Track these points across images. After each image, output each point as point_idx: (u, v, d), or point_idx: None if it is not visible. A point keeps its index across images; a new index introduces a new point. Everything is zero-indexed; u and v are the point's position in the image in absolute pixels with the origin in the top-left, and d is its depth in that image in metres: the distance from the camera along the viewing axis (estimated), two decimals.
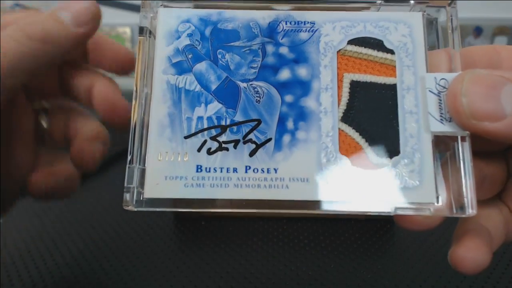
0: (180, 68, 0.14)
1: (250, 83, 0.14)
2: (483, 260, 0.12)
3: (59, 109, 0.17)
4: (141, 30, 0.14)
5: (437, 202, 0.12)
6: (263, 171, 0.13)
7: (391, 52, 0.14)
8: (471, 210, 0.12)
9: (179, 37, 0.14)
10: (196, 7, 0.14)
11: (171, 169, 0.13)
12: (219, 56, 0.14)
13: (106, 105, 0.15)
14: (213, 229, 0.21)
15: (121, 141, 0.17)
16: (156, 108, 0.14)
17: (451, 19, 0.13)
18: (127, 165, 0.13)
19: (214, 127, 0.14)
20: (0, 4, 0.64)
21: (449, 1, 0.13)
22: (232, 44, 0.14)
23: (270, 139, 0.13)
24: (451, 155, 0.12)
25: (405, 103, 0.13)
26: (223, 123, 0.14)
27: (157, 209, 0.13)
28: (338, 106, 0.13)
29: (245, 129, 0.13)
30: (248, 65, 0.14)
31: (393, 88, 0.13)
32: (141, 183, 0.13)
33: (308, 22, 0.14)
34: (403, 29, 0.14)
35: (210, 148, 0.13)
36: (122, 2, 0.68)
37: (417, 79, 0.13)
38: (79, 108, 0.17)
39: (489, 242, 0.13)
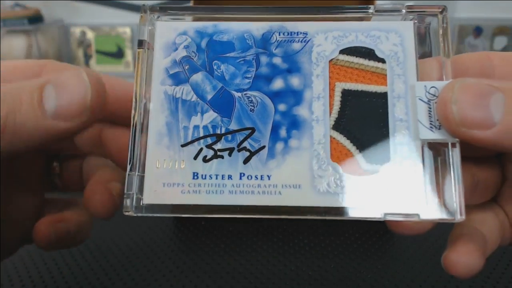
0: (177, 79, 0.14)
1: (245, 92, 0.14)
2: (475, 264, 0.12)
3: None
4: (140, 43, 0.14)
5: (427, 208, 0.12)
6: (257, 178, 0.13)
7: (382, 61, 0.13)
8: (459, 216, 0.12)
9: (176, 49, 0.14)
10: (197, 19, 0.14)
11: (168, 176, 0.13)
12: (215, 67, 0.14)
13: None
14: (213, 229, 0.21)
15: None
16: (155, 118, 0.14)
17: (443, 26, 0.13)
18: (127, 173, 0.13)
19: (210, 135, 0.14)
20: (0, 4, 0.65)
21: (441, 9, 0.13)
22: (227, 55, 0.14)
23: (263, 147, 0.13)
24: (441, 162, 0.12)
25: (396, 111, 0.13)
26: (218, 131, 0.14)
27: (156, 215, 0.13)
28: (330, 114, 0.13)
29: (239, 137, 0.13)
30: (243, 75, 0.14)
31: (384, 96, 0.13)
32: (140, 190, 0.13)
33: (300, 33, 0.14)
34: (394, 38, 0.14)
35: (206, 156, 0.13)
36: (122, 2, 0.68)
37: (407, 88, 0.13)
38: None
39: (482, 247, 0.12)
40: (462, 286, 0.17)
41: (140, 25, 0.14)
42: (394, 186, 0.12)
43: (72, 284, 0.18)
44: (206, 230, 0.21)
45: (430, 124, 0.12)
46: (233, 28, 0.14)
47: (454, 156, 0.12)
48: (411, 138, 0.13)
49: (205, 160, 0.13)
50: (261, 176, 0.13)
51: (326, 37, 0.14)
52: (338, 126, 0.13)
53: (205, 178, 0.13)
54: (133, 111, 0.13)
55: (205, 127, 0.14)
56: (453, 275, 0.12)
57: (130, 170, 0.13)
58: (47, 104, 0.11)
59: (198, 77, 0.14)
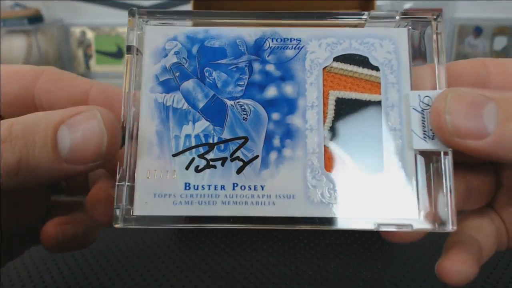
0: (168, 86, 0.13)
1: (237, 100, 0.13)
2: (469, 273, 0.12)
3: None
4: (128, 49, 0.13)
5: (419, 218, 0.12)
6: (250, 188, 0.12)
7: (376, 69, 0.13)
8: (451, 226, 0.11)
9: (166, 55, 0.13)
10: (196, 24, 0.13)
11: (160, 187, 0.12)
12: (206, 74, 0.13)
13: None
14: (213, 229, 0.21)
15: None
16: (145, 127, 0.13)
17: (437, 33, 0.12)
18: (116, 183, 0.12)
19: (202, 145, 0.13)
20: (0, 4, 0.63)
21: (435, 15, 0.12)
22: (219, 62, 0.13)
23: (257, 157, 0.12)
24: (434, 171, 0.12)
25: (389, 120, 0.12)
26: (210, 141, 0.13)
27: (146, 227, 0.12)
28: (324, 123, 0.12)
29: (232, 146, 0.13)
30: (235, 82, 0.13)
31: (377, 105, 0.12)
32: (131, 201, 0.12)
33: (294, 39, 0.13)
34: (388, 45, 0.13)
35: (198, 166, 0.12)
36: (122, 2, 0.66)
37: (401, 96, 0.12)
38: None
39: (476, 255, 0.12)
40: (462, 286, 0.16)
41: (128, 29, 0.13)
42: (387, 196, 0.12)
43: (72, 284, 0.17)
44: (206, 230, 0.21)
45: (424, 134, 0.11)
46: (225, 33, 0.13)
47: (447, 165, 0.11)
48: (404, 148, 0.12)
49: (197, 170, 0.13)
50: (255, 186, 0.12)
51: (319, 44, 0.13)
52: (332, 135, 0.12)
53: (197, 189, 0.12)
54: (122, 119, 0.13)
55: (197, 136, 0.13)
56: (447, 283, 0.12)
57: (119, 180, 0.12)
58: (61, 148, 0.11)
59: (189, 84, 0.13)
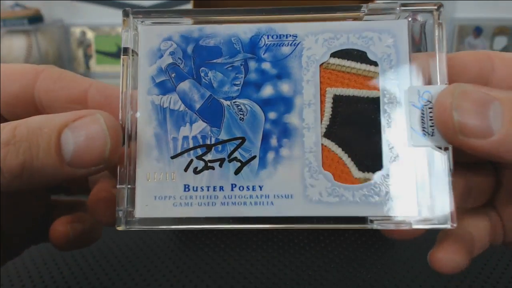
0: (164, 88, 0.13)
1: (234, 100, 0.13)
2: (459, 262, 0.12)
3: None
4: (124, 50, 0.13)
5: (418, 215, 0.11)
6: (249, 189, 0.12)
7: (375, 64, 0.12)
8: (451, 223, 0.11)
9: (162, 55, 0.13)
10: (197, 22, 0.13)
11: (159, 189, 0.12)
12: (202, 74, 0.13)
13: None
14: (213, 230, 0.21)
15: None
16: (143, 129, 0.13)
17: (439, 23, 0.12)
18: (117, 186, 0.12)
19: (200, 146, 0.13)
20: (0, 4, 0.63)
21: (437, 6, 0.12)
22: (214, 61, 0.13)
23: (254, 157, 0.12)
24: (433, 168, 0.11)
25: (388, 116, 0.12)
26: (208, 142, 0.13)
27: (148, 228, 0.13)
28: (321, 121, 0.12)
29: (229, 147, 0.13)
30: (231, 82, 0.13)
31: (376, 101, 0.12)
32: (131, 203, 0.12)
33: (290, 35, 0.13)
34: (387, 39, 0.12)
35: (196, 168, 0.13)
36: (122, 2, 0.66)
37: (400, 92, 0.12)
38: None
39: (468, 246, 0.12)
40: (462, 286, 0.16)
41: (123, 30, 0.13)
42: (386, 194, 0.12)
43: (72, 284, 0.17)
44: (206, 230, 0.21)
45: (423, 130, 0.11)
46: (220, 32, 0.13)
47: (446, 162, 0.11)
48: (403, 145, 0.12)
49: (195, 171, 0.13)
50: (253, 187, 0.12)
51: (316, 40, 0.13)
52: (329, 133, 0.12)
53: (196, 190, 0.12)
54: (120, 122, 0.13)
55: (194, 137, 0.13)
56: (438, 272, 0.12)
57: (120, 183, 0.12)
58: (64, 151, 0.11)
59: (185, 85, 0.13)
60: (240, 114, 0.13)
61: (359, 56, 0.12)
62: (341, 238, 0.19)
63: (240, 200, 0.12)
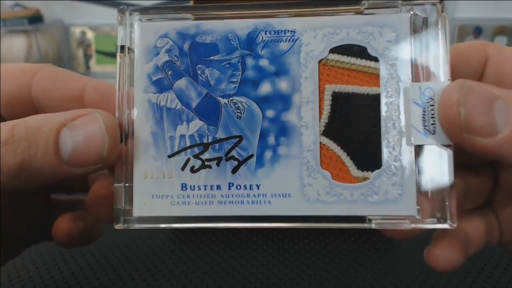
0: (161, 86, 0.13)
1: (231, 98, 0.13)
2: (455, 259, 0.12)
3: None
4: (120, 48, 0.13)
5: (418, 215, 0.11)
6: (246, 188, 0.12)
7: (375, 59, 0.12)
8: (451, 223, 0.11)
9: (158, 53, 0.13)
10: (194, 18, 0.12)
11: (157, 188, 0.12)
12: (199, 72, 0.13)
13: None
14: (213, 229, 0.21)
15: None
16: (140, 128, 0.13)
17: (442, 16, 0.11)
18: (114, 184, 0.12)
19: (197, 145, 0.13)
20: (0, 4, 0.63)
21: None
22: (211, 58, 0.13)
23: (252, 156, 0.12)
24: (434, 167, 0.11)
25: (388, 114, 0.12)
26: (205, 140, 0.12)
27: (146, 227, 0.13)
28: (320, 119, 0.12)
29: (227, 146, 0.12)
30: (228, 79, 0.13)
31: (376, 98, 0.12)
32: (129, 202, 0.12)
33: (288, 31, 0.13)
34: (388, 33, 0.12)
35: (193, 166, 0.12)
36: (122, 2, 0.66)
37: (401, 89, 0.12)
38: None
39: (464, 244, 0.12)
40: (462, 286, 0.16)
41: (118, 28, 0.13)
42: (385, 193, 0.12)
43: (72, 284, 0.17)
44: (206, 230, 0.21)
45: (424, 128, 0.11)
46: (216, 28, 0.13)
47: (448, 161, 0.11)
48: (403, 143, 0.11)
49: (193, 170, 0.12)
50: (250, 186, 0.12)
51: (315, 35, 0.12)
52: (328, 131, 0.12)
53: (193, 189, 0.12)
54: (117, 120, 0.12)
55: (191, 136, 0.13)
56: (434, 269, 0.12)
57: (117, 181, 0.12)
58: (62, 151, 0.11)
59: (182, 83, 0.13)
60: (238, 112, 0.13)
61: (359, 51, 0.12)
62: (341, 238, 0.19)
63: (238, 199, 0.12)
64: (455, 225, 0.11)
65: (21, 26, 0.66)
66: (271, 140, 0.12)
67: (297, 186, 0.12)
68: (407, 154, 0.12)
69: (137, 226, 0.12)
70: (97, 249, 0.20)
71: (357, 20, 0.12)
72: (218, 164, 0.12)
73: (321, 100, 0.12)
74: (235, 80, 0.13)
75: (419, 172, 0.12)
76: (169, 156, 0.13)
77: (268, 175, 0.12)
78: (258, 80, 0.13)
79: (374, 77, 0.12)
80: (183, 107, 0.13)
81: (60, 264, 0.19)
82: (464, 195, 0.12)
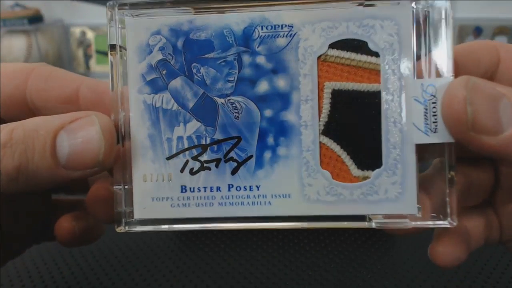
0: (155, 86, 0.12)
1: (228, 98, 0.12)
2: (459, 255, 0.12)
3: None
4: (111, 47, 0.12)
5: (418, 214, 0.11)
6: (246, 189, 0.12)
7: (376, 54, 0.11)
8: (452, 221, 0.11)
9: (151, 51, 0.12)
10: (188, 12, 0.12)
11: (157, 191, 0.12)
12: (194, 70, 0.12)
13: None
14: (212, 230, 0.21)
15: None
16: (136, 130, 0.12)
17: (446, 9, 0.11)
18: (113, 186, 0.12)
19: (195, 146, 0.12)
20: (0, 4, 0.62)
21: None
22: (206, 56, 0.12)
23: (251, 157, 0.12)
24: (435, 165, 0.11)
25: (389, 112, 0.11)
26: (203, 142, 0.12)
27: (148, 229, 0.12)
28: (319, 118, 0.12)
29: (225, 147, 0.12)
30: (225, 78, 0.12)
31: (377, 95, 0.11)
32: (129, 205, 0.12)
33: (285, 26, 0.12)
34: (389, 27, 0.11)
35: (192, 168, 0.12)
36: (122, 2, 0.65)
37: (402, 85, 0.11)
38: None
39: (466, 241, 0.12)
40: (462, 286, 0.16)
41: (108, 25, 0.12)
42: (385, 192, 0.11)
43: (72, 284, 0.17)
44: (206, 230, 0.21)
45: (426, 127, 0.11)
46: (211, 23, 0.12)
47: (450, 160, 0.11)
48: (404, 142, 0.11)
49: (192, 172, 0.12)
50: (250, 187, 0.12)
51: (313, 30, 0.12)
52: (328, 130, 0.12)
53: (193, 191, 0.12)
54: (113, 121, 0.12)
55: (189, 137, 0.12)
56: (439, 266, 0.12)
57: (116, 184, 0.12)
58: (59, 154, 0.11)
59: (177, 83, 0.12)
60: (235, 112, 0.12)
61: (359, 46, 0.12)
62: (341, 238, 0.19)
63: (238, 200, 0.12)
64: (455, 224, 0.11)
65: (21, 26, 0.65)
66: (270, 140, 0.12)
67: (297, 187, 0.12)
68: (408, 153, 0.11)
69: (138, 228, 0.12)
70: (97, 249, 0.19)
71: (358, 13, 0.11)
72: (217, 166, 0.12)
73: (320, 98, 0.12)
74: (231, 78, 0.12)
75: (419, 170, 0.11)
76: (168, 158, 0.12)
77: (267, 176, 0.12)
78: (255, 78, 0.12)
79: (374, 73, 0.12)
80: (180, 107, 0.12)
81: (60, 264, 0.19)
82: (465, 192, 0.12)
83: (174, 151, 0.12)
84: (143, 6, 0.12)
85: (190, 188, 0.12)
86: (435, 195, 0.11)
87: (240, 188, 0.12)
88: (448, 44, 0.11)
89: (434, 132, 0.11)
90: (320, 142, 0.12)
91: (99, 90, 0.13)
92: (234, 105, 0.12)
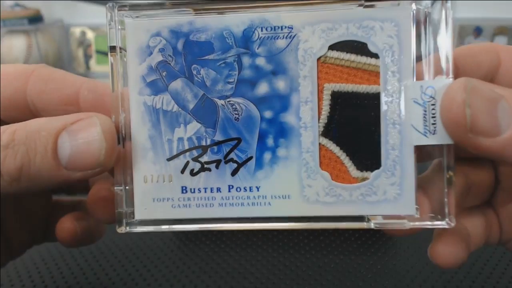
0: (156, 88, 0.12)
1: (228, 99, 0.12)
2: (460, 255, 0.12)
3: None
4: (111, 48, 0.12)
5: (417, 214, 0.11)
6: (246, 190, 0.12)
7: (376, 56, 0.11)
8: (450, 222, 0.11)
9: (151, 53, 0.12)
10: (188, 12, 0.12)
11: (158, 191, 0.12)
12: (194, 72, 0.12)
13: None
14: (212, 230, 0.21)
15: None
16: (137, 131, 0.12)
17: (446, 7, 0.11)
18: (114, 187, 0.12)
19: (195, 148, 0.12)
20: (0, 4, 0.62)
21: None
22: (206, 57, 0.12)
23: (251, 158, 0.12)
24: (433, 166, 0.11)
25: (388, 113, 0.11)
26: (203, 143, 0.12)
27: (148, 230, 0.12)
28: (319, 119, 0.12)
29: (225, 148, 0.12)
30: (225, 80, 0.12)
31: (376, 97, 0.11)
32: (130, 205, 0.12)
33: (285, 27, 0.12)
34: (389, 28, 0.11)
35: (193, 169, 0.12)
36: (122, 2, 0.65)
37: (401, 87, 0.11)
38: None
39: (466, 241, 0.12)
40: (462, 286, 0.16)
41: (108, 26, 0.12)
42: (384, 193, 0.11)
43: (72, 284, 0.17)
44: (206, 230, 0.21)
45: (425, 128, 0.11)
46: (211, 25, 0.12)
47: (448, 162, 0.11)
48: (403, 143, 0.11)
49: (192, 173, 0.12)
50: (250, 188, 0.12)
51: (313, 31, 0.12)
52: (327, 132, 0.12)
53: (194, 192, 0.12)
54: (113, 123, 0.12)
55: (189, 139, 0.12)
56: (439, 266, 0.12)
57: (116, 184, 0.12)
58: (61, 155, 0.11)
59: (177, 84, 0.12)
60: (235, 114, 0.12)
61: (359, 48, 0.12)
62: (341, 238, 0.19)
63: (238, 201, 0.12)
64: (453, 224, 0.11)
65: (21, 26, 0.65)
66: (270, 141, 0.12)
67: (296, 187, 0.12)
68: (407, 154, 0.11)
69: (139, 229, 0.12)
70: (97, 249, 0.19)
71: (357, 14, 0.11)
72: (217, 167, 0.12)
73: (320, 99, 0.12)
74: (231, 80, 0.12)
75: (418, 171, 0.11)
76: (168, 160, 0.12)
77: (267, 177, 0.12)
78: (255, 80, 0.12)
79: (374, 75, 0.12)
80: (180, 109, 0.12)
81: (60, 264, 0.19)
82: (465, 192, 0.12)
83: (174, 152, 0.12)
84: (143, 7, 0.12)
85: (191, 189, 0.12)
86: (434, 195, 0.11)
87: (240, 189, 0.12)
88: (448, 46, 0.11)
89: (433, 134, 0.11)
90: (319, 144, 0.12)
91: (99, 92, 0.13)
92: (234, 107, 0.12)
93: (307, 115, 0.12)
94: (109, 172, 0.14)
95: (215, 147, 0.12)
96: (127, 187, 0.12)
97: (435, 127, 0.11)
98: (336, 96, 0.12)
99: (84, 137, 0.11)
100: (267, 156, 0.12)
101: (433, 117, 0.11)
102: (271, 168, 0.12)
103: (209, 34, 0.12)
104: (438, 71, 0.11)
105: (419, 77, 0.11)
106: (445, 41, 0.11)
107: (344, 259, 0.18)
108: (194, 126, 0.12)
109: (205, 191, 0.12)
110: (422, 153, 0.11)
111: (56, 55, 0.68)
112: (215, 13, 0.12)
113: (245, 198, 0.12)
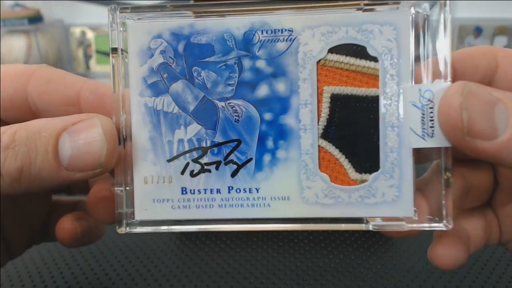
0: (157, 89, 0.12)
1: (228, 101, 0.12)
2: (459, 257, 0.12)
3: None
4: (113, 50, 0.12)
5: (415, 216, 0.11)
6: (245, 191, 0.12)
7: (375, 59, 0.11)
8: (447, 224, 0.11)
9: (152, 55, 0.12)
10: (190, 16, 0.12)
11: (158, 193, 0.12)
12: (195, 74, 0.12)
13: None
14: (212, 230, 0.21)
15: None
16: (137, 133, 0.12)
17: (445, 10, 0.11)
18: (114, 188, 0.12)
19: (195, 149, 0.12)
20: (0, 4, 0.62)
21: None
22: (207, 60, 0.12)
23: (250, 159, 0.12)
24: (431, 169, 0.11)
25: (387, 116, 0.11)
26: (203, 144, 0.12)
27: (148, 230, 0.12)
28: (318, 122, 0.12)
29: (225, 150, 0.12)
30: (225, 82, 0.12)
31: (375, 100, 0.11)
32: (131, 206, 0.12)
33: (285, 30, 0.12)
34: (388, 32, 0.11)
35: (193, 171, 0.12)
36: (122, 2, 0.65)
37: (400, 90, 0.11)
38: None
39: (466, 242, 0.12)
40: (462, 286, 0.16)
41: (110, 28, 0.12)
42: (382, 195, 0.11)
43: (72, 284, 0.17)
44: (206, 231, 0.21)
45: (423, 131, 0.11)
46: (211, 27, 0.12)
47: (446, 163, 0.11)
48: (402, 146, 0.11)
49: (192, 174, 0.12)
50: (250, 189, 0.12)
51: (313, 34, 0.12)
52: (326, 134, 0.12)
53: (194, 193, 0.12)
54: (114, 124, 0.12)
55: (189, 140, 0.12)
56: (439, 267, 0.12)
57: (117, 185, 0.12)
58: (62, 156, 0.11)
59: (178, 86, 0.12)
60: (235, 116, 0.12)
61: (358, 51, 0.12)
62: (341, 238, 0.19)
63: (237, 203, 0.12)
64: (451, 226, 0.11)
65: (21, 26, 0.65)
66: (270, 143, 0.12)
67: (296, 189, 0.12)
68: (405, 157, 0.11)
69: (139, 229, 0.12)
70: (97, 249, 0.19)
71: (357, 18, 0.12)
72: (217, 168, 0.12)
73: (319, 102, 0.12)
74: (232, 82, 0.12)
75: (416, 174, 0.11)
76: (168, 161, 0.12)
77: (267, 178, 0.12)
78: (255, 82, 0.12)
79: (373, 78, 0.12)
80: (180, 111, 0.12)
81: (60, 264, 0.19)
82: (464, 194, 0.12)
83: (175, 154, 0.12)
84: (145, 10, 0.12)
85: (191, 190, 0.12)
86: (432, 197, 0.11)
87: (240, 190, 0.12)
88: (446, 49, 0.11)
89: (431, 137, 0.11)
90: (319, 146, 0.12)
91: (100, 93, 0.13)
92: (234, 109, 0.12)
93: (307, 117, 0.12)
94: (110, 173, 0.14)
95: (215, 149, 0.12)
96: (127, 188, 0.12)
97: (433, 130, 0.11)
98: (336, 99, 0.12)
99: (85, 138, 0.11)
100: (266, 157, 0.12)
101: (431, 120, 0.11)
102: (271, 169, 0.12)
103: (210, 37, 0.12)
104: (436, 74, 0.11)
105: (418, 80, 0.11)
106: (443, 45, 0.11)
107: (344, 259, 0.18)
108: (195, 128, 0.12)
109: (205, 192, 0.12)
110: (421, 155, 0.11)
111: (56, 55, 0.68)
112: (216, 16, 0.12)
113: (245, 199, 0.12)
